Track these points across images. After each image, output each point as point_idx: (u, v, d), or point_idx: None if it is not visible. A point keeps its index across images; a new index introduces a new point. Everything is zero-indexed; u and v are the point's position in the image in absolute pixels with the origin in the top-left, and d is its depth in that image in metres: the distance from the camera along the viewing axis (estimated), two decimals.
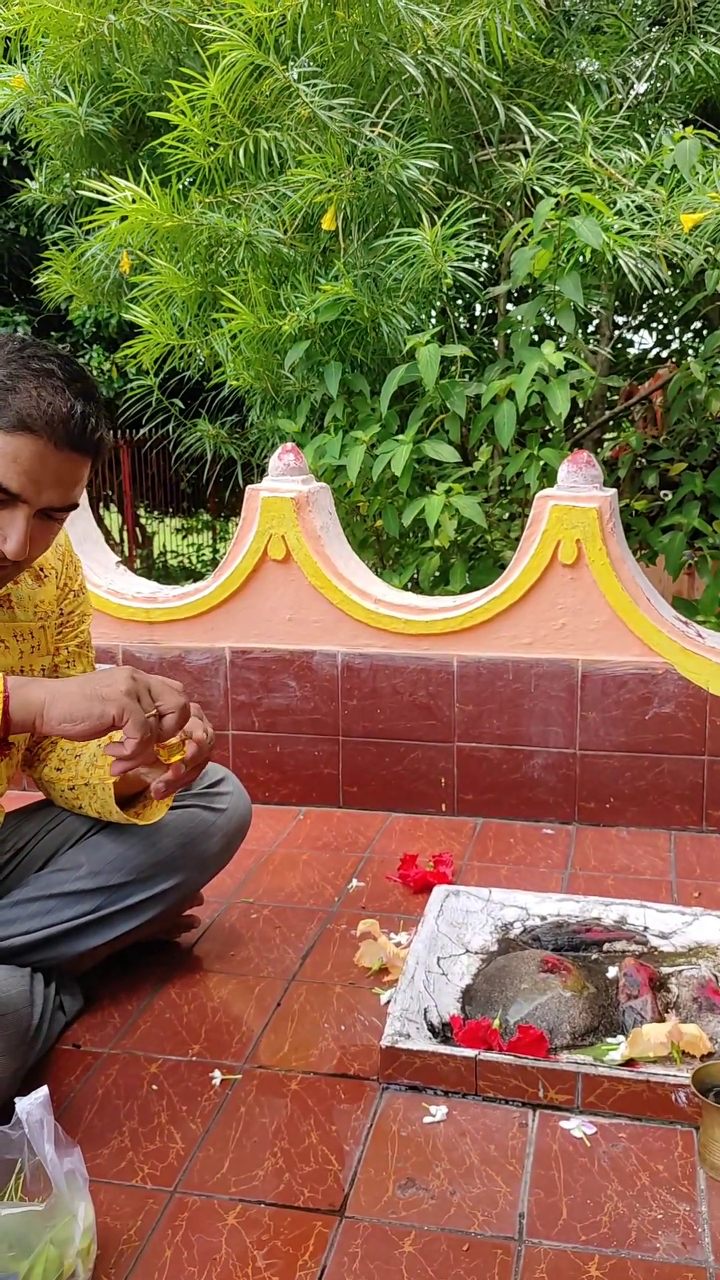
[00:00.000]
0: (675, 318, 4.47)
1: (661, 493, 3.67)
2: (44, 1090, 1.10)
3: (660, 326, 4.61)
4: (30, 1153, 1.13)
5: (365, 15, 2.73)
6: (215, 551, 8.85)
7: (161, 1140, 1.33)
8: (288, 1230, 1.19)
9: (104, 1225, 1.18)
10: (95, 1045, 1.53)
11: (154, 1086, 1.44)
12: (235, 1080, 1.45)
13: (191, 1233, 1.18)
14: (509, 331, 3.26)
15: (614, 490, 2.24)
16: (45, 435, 1.29)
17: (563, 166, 2.88)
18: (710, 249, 2.75)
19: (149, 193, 2.93)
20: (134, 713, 1.28)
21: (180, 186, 3.00)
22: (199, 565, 8.67)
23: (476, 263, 3.01)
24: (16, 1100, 1.09)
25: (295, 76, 2.78)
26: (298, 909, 1.93)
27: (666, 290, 3.89)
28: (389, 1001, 1.61)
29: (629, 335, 4.70)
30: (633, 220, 2.69)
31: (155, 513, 9.10)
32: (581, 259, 2.71)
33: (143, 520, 8.89)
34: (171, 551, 9.09)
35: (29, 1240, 1.06)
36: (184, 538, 9.30)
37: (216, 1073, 1.46)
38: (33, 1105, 1.09)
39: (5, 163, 5.96)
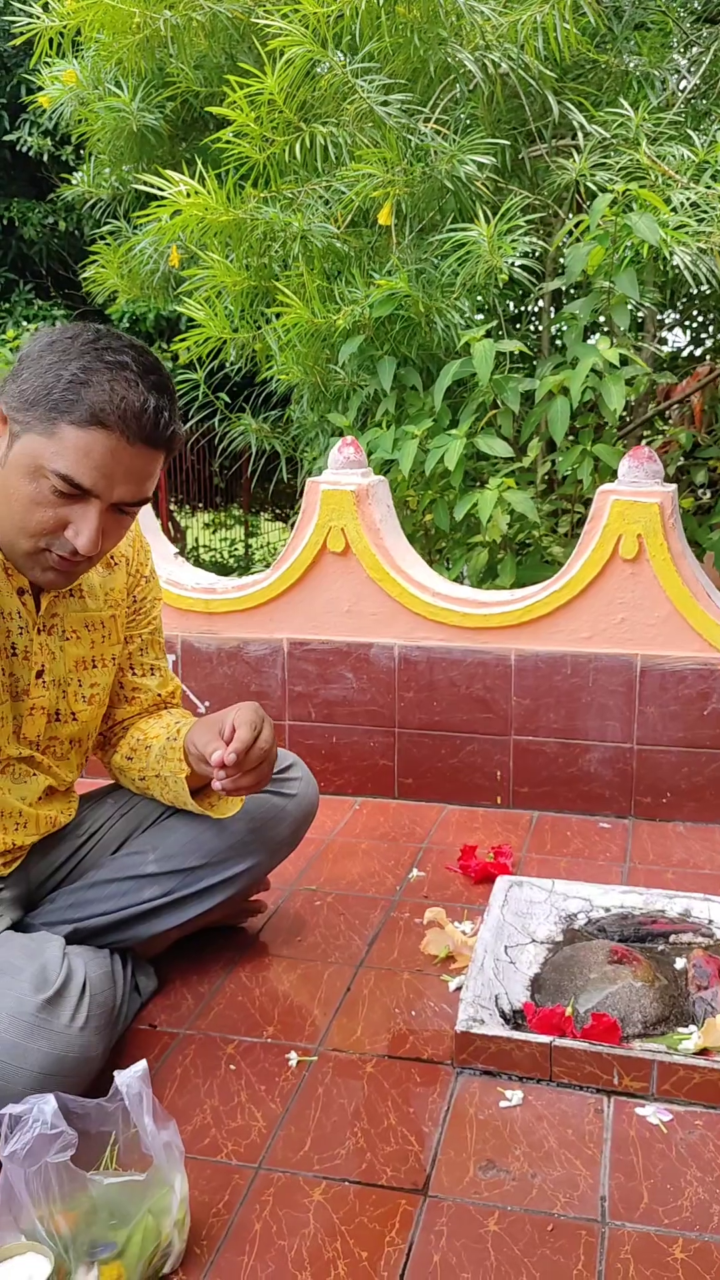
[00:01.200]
0: (711, 316, 4.46)
1: (701, 490, 3.67)
2: (143, 1064, 1.12)
3: (695, 325, 4.60)
4: (125, 1126, 1.15)
5: (425, 11, 2.74)
6: (248, 547, 8.88)
7: (243, 1118, 1.35)
8: (373, 1208, 1.20)
9: (193, 1199, 1.20)
10: (171, 1026, 1.55)
11: (232, 1066, 1.46)
12: (311, 1062, 1.47)
13: (279, 1208, 1.20)
14: (559, 327, 3.27)
15: (674, 486, 2.24)
16: (118, 430, 1.27)
17: (615, 163, 2.88)
18: None
19: (204, 186, 2.95)
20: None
21: (234, 182, 3.02)
22: (231, 561, 8.71)
23: (530, 259, 3.02)
24: (116, 1074, 1.12)
25: (353, 71, 2.80)
26: (360, 897, 1.95)
27: (703, 288, 3.88)
28: (458, 988, 1.62)
29: (664, 335, 4.69)
30: (688, 217, 2.69)
31: (186, 507, 9.14)
32: (636, 256, 2.71)
33: (175, 515, 8.93)
34: (204, 546, 9.12)
35: (128, 1210, 1.08)
36: (214, 532, 9.33)
37: (293, 1054, 1.48)
38: (132, 1078, 1.11)
39: (46, 158, 6.00)
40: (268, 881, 1.79)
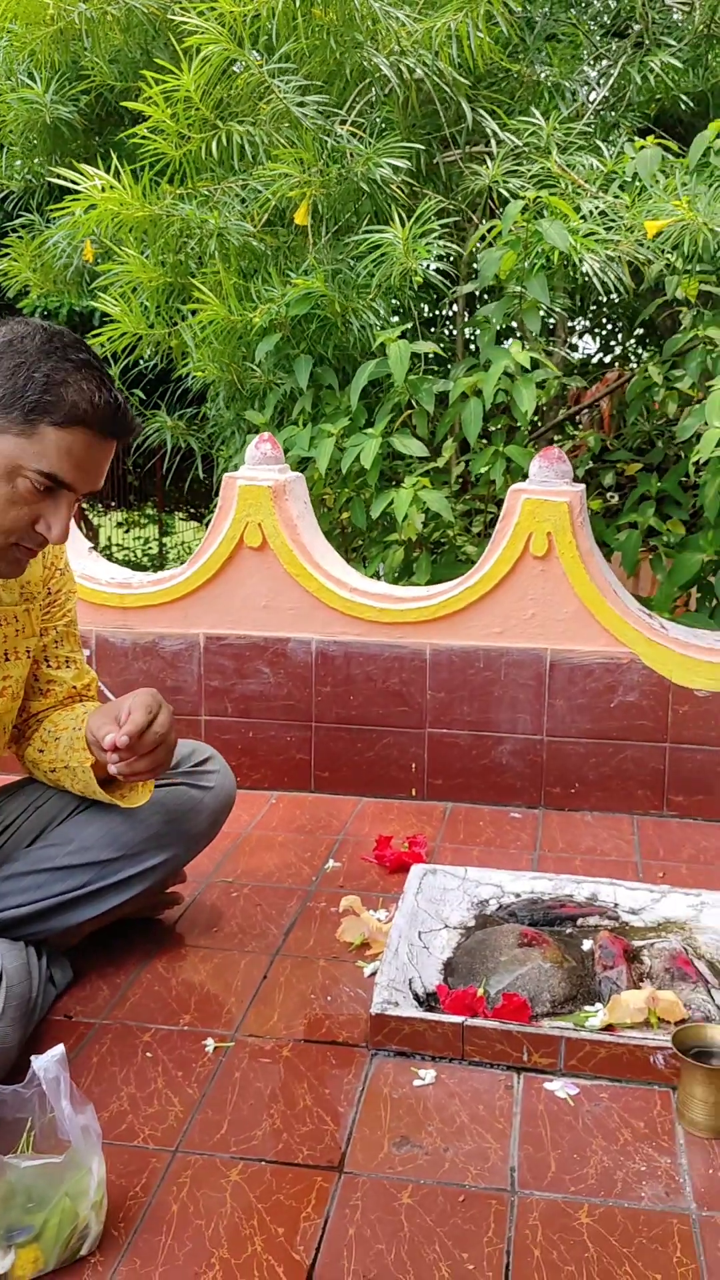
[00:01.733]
0: (620, 324, 4.58)
1: (608, 495, 3.77)
2: (60, 1048, 1.13)
3: (604, 332, 4.73)
4: (42, 1111, 1.16)
5: (341, 15, 2.77)
6: (162, 546, 8.82)
7: (160, 1104, 1.36)
8: (289, 1185, 1.23)
9: (111, 1183, 1.21)
10: (87, 1016, 1.55)
11: (148, 1054, 1.47)
12: (228, 1048, 1.48)
13: (196, 1189, 1.22)
14: (472, 330, 3.33)
15: (583, 486, 2.31)
16: (96, 427, 1.34)
17: (527, 170, 2.95)
18: (670, 255, 2.84)
19: (119, 181, 2.94)
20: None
21: (150, 178, 3.01)
22: (144, 560, 8.63)
23: (444, 262, 3.07)
24: (33, 1058, 1.12)
25: (269, 71, 2.82)
26: (277, 888, 1.97)
27: (612, 296, 3.99)
28: (373, 974, 1.65)
29: (575, 340, 4.80)
30: (597, 225, 2.77)
31: (99, 505, 9.03)
32: (547, 262, 2.78)
33: (88, 513, 8.81)
34: (118, 545, 9.03)
35: (45, 1193, 1.08)
36: (126, 531, 9.24)
37: (209, 1040, 1.49)
38: (49, 1062, 1.11)
39: None
40: (184, 874, 1.80)
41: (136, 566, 8.53)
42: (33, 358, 1.32)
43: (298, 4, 2.75)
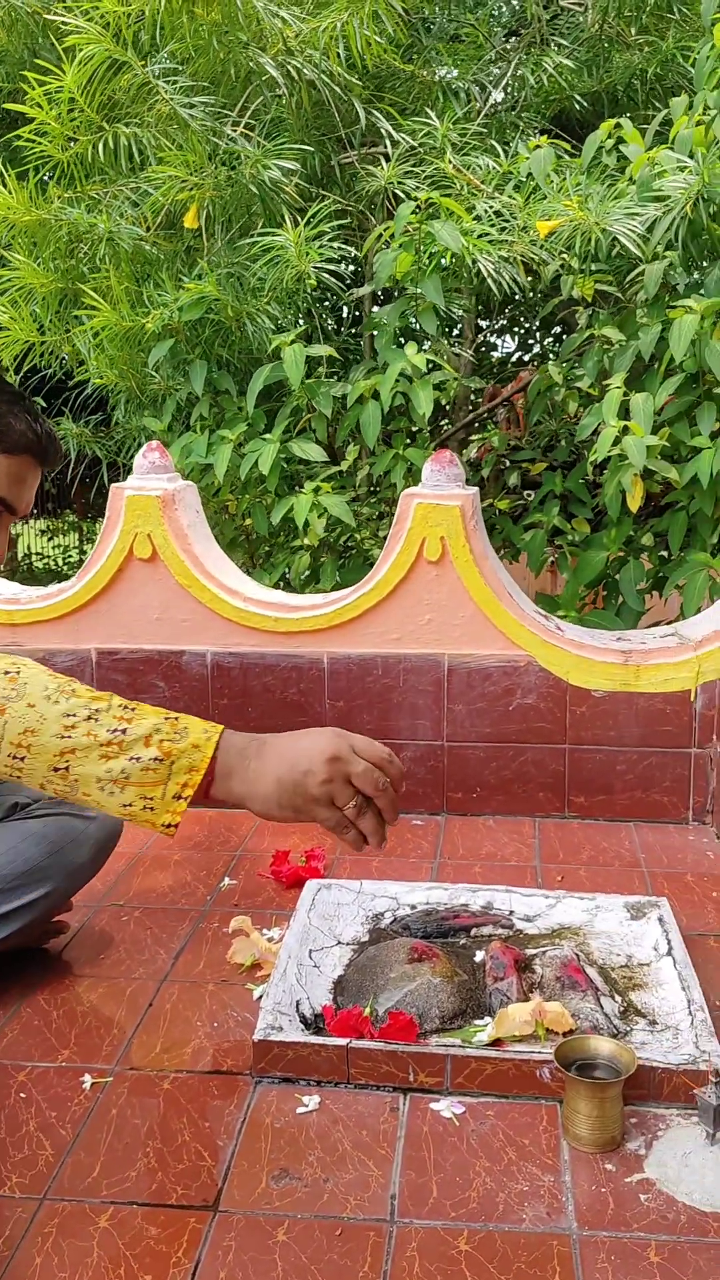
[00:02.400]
0: (536, 323, 4.59)
1: (525, 493, 3.77)
2: None
3: (522, 331, 4.73)
4: None
5: (224, 14, 2.73)
6: (82, 553, 8.68)
7: (30, 1148, 1.31)
8: (161, 1229, 1.18)
9: None
10: None
11: (22, 1095, 1.41)
12: (106, 1083, 1.43)
13: (62, 1238, 1.16)
14: (375, 333, 3.30)
15: (476, 489, 2.29)
16: (37, 455, 1.48)
17: (423, 171, 2.93)
18: (565, 255, 2.84)
19: (4, 185, 2.86)
20: (328, 820, 1.23)
21: (38, 180, 2.94)
22: (66, 568, 8.49)
23: (341, 265, 3.04)
24: None
25: (155, 73, 2.76)
26: (170, 909, 1.92)
27: (528, 296, 4.00)
28: (261, 996, 1.61)
29: (493, 339, 4.81)
30: (491, 226, 2.76)
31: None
32: (443, 262, 2.76)
33: None
34: (37, 554, 8.87)
35: None
36: (49, 539, 9.09)
37: (87, 1077, 1.44)
38: None
39: None
40: (70, 902, 1.75)
41: (57, 574, 8.39)
42: None
43: (180, 3, 2.70)
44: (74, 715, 1.20)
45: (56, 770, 1.20)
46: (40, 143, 2.86)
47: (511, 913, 1.79)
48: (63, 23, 2.71)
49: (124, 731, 1.20)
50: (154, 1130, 1.34)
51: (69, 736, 1.19)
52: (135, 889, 2.00)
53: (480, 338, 4.34)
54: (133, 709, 1.23)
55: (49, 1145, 1.31)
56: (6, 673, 1.23)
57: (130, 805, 1.20)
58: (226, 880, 2.03)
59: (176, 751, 1.20)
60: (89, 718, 1.20)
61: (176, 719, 1.24)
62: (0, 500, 1.47)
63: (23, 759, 1.19)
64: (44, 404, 3.71)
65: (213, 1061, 1.48)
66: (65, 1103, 1.39)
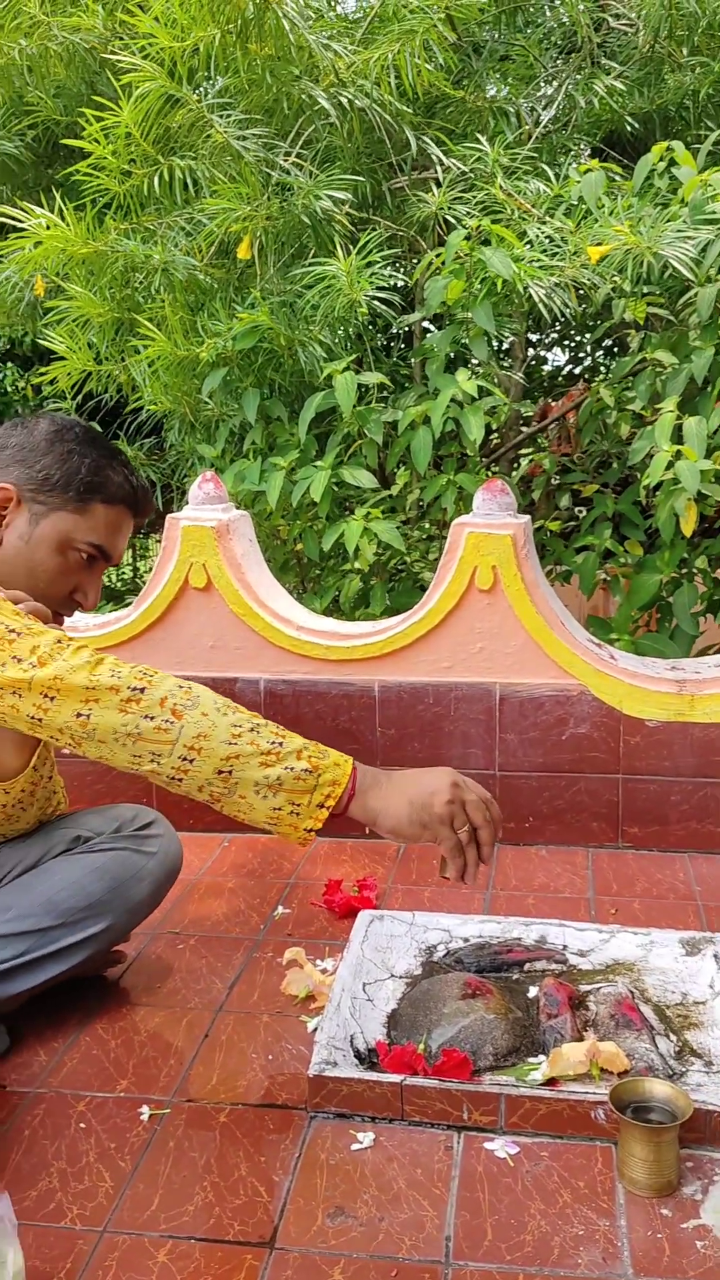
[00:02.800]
0: (587, 336, 4.58)
1: (576, 509, 3.75)
2: None
3: (573, 344, 4.71)
4: None
5: (278, 48, 2.77)
6: (135, 572, 8.78)
7: (90, 1180, 1.33)
8: (218, 1265, 1.20)
9: (34, 1269, 1.18)
10: (21, 1085, 1.52)
11: (82, 1125, 1.43)
12: (164, 1115, 1.45)
13: (122, 1272, 1.19)
14: (425, 358, 3.32)
15: (528, 518, 2.30)
16: (132, 506, 1.60)
17: (474, 196, 2.94)
18: (616, 279, 2.84)
19: (63, 219, 2.92)
20: (447, 840, 1.41)
21: (96, 213, 3.00)
22: (119, 585, 8.59)
23: (393, 292, 3.06)
24: None
25: (209, 106, 2.81)
26: (224, 938, 1.94)
27: (579, 320, 3.99)
28: (315, 1029, 1.63)
29: (542, 353, 4.79)
30: (542, 251, 2.76)
31: None
32: (493, 288, 2.77)
33: None
34: None
35: None
36: None
37: (145, 1108, 1.46)
38: None
39: None
40: (128, 935, 1.77)
41: (111, 592, 8.49)
42: (81, 446, 1.56)
43: (235, 39, 2.74)
44: (240, 726, 1.37)
45: (220, 773, 1.35)
46: (98, 176, 2.92)
47: (565, 947, 1.79)
48: (119, 60, 2.77)
49: (281, 744, 1.38)
50: (211, 1164, 1.36)
51: (235, 744, 1.35)
52: (190, 916, 2.02)
53: (530, 352, 4.34)
54: (282, 728, 1.41)
55: (109, 1177, 1.34)
56: (181, 686, 1.38)
57: (279, 809, 1.37)
58: (280, 909, 2.05)
59: (323, 766, 1.39)
60: (252, 729, 1.37)
61: (316, 743, 1.43)
62: (98, 548, 1.56)
63: (192, 761, 1.35)
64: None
65: (268, 1094, 1.49)
66: (124, 1133, 1.42)
